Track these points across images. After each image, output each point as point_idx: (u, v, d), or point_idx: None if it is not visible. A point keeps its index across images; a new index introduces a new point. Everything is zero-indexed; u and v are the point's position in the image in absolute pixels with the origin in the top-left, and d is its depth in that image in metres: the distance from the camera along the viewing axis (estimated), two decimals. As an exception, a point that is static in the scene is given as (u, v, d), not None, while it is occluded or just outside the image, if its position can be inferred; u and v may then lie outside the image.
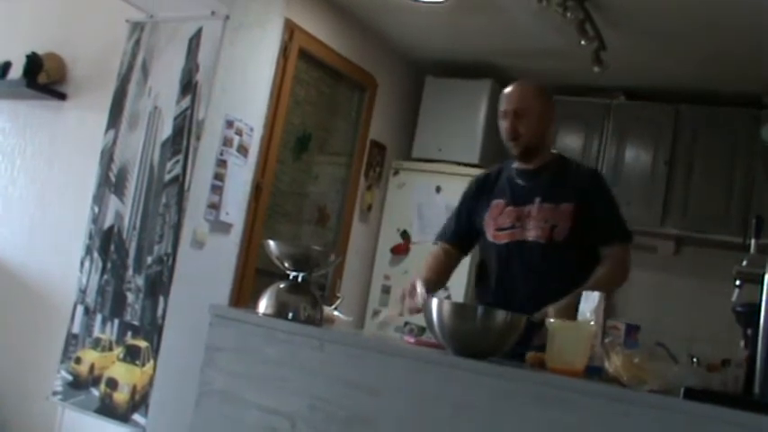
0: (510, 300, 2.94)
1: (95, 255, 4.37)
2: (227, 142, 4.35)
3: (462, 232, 3.32)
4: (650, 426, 1.93)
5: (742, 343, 2.30)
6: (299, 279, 2.73)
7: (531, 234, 3.01)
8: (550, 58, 5.36)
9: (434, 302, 2.31)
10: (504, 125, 3.13)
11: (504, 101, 3.14)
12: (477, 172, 5.36)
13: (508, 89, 3.19)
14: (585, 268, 3.04)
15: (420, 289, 2.93)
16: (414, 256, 5.62)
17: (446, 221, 3.44)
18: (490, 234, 3.12)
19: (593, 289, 2.52)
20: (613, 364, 2.12)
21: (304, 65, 5.06)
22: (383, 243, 5.79)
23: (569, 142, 5.74)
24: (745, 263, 2.30)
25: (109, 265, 4.31)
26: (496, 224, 3.10)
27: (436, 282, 3.16)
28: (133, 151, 4.37)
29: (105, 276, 4.31)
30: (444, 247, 3.34)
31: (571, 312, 2.56)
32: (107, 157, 4.47)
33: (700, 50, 4.87)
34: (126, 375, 4.08)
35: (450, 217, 3.43)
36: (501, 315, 2.28)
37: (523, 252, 3.02)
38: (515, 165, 3.18)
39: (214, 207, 4.31)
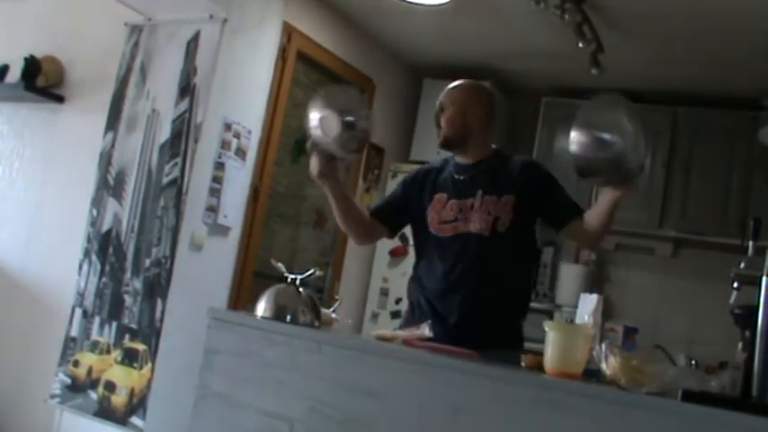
0: (457, 290, 3.01)
1: (93, 258, 4.37)
2: (225, 145, 4.35)
3: (391, 209, 3.34)
4: (648, 428, 1.93)
5: (740, 345, 2.30)
6: (298, 281, 2.73)
7: (475, 226, 3.02)
8: (548, 60, 5.36)
9: None
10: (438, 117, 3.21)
11: (442, 94, 3.22)
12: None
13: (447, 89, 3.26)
14: (526, 257, 3.16)
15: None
16: (412, 259, 5.59)
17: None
18: (433, 227, 3.13)
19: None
20: (611, 366, 2.12)
21: (302, 67, 5.06)
22: (381, 246, 5.79)
23: (567, 145, 5.71)
24: (742, 265, 2.30)
25: (107, 268, 4.31)
26: (440, 217, 3.11)
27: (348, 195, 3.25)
28: (131, 154, 4.38)
29: (103, 279, 4.31)
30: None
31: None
32: (105, 159, 4.47)
33: (698, 53, 4.87)
34: (124, 378, 4.08)
35: (386, 195, 3.45)
36: None
37: (468, 244, 3.03)
38: (456, 159, 3.22)
39: (212, 210, 4.31)
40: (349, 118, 2.83)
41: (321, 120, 2.81)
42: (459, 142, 3.15)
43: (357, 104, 2.99)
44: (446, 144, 3.17)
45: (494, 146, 3.26)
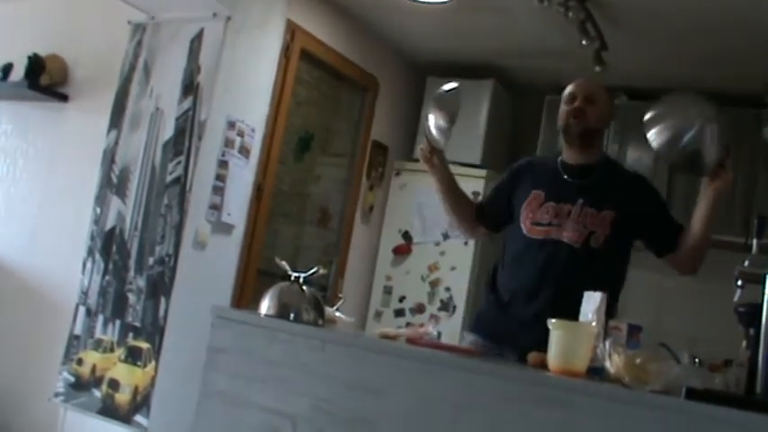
0: (535, 298, 2.95)
1: (97, 256, 4.37)
2: (228, 143, 4.35)
3: (492, 205, 3.29)
4: (652, 426, 1.93)
5: (744, 343, 2.30)
6: (301, 280, 2.74)
7: (568, 236, 2.95)
8: (552, 57, 5.35)
9: None
10: (567, 108, 3.09)
11: (575, 86, 3.11)
12: (480, 173, 5.43)
13: (579, 80, 3.18)
14: (615, 277, 3.03)
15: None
16: (415, 257, 5.63)
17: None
18: (525, 226, 3.04)
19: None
20: (615, 364, 2.12)
21: (306, 66, 5.06)
22: (385, 244, 5.79)
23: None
24: (747, 263, 2.30)
25: (110, 266, 4.31)
26: (534, 217, 3.02)
27: (456, 186, 3.26)
28: (135, 152, 4.38)
29: (107, 277, 4.31)
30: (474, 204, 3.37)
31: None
32: (109, 158, 4.47)
33: (701, 50, 4.86)
34: (128, 376, 4.09)
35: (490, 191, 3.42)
36: None
37: (556, 252, 2.96)
38: (563, 158, 3.12)
39: (216, 208, 4.31)
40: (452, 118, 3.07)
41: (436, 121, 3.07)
42: (594, 142, 3.09)
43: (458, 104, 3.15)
44: (584, 137, 3.05)
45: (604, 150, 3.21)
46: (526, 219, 3.05)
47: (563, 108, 3.11)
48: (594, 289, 2.79)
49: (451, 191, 3.24)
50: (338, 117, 5.55)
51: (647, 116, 2.64)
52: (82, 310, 4.36)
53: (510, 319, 3.00)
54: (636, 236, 3.04)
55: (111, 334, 4.22)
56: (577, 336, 2.28)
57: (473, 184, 5.17)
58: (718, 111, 2.61)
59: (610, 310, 2.98)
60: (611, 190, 3.00)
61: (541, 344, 2.31)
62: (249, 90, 4.52)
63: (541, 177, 3.11)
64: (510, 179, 3.25)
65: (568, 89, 3.13)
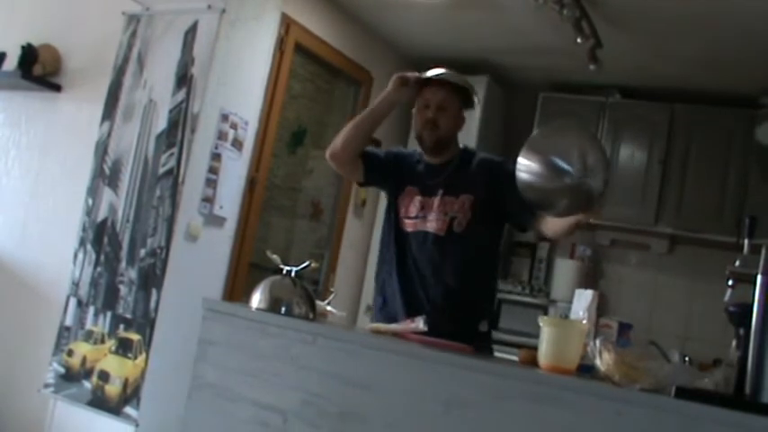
0: (413, 288, 3.04)
1: (89, 247, 4.36)
2: (221, 136, 4.34)
3: (375, 162, 3.26)
4: (641, 424, 1.93)
5: (734, 343, 2.30)
6: (293, 273, 2.74)
7: (432, 226, 3.04)
8: (546, 55, 5.36)
9: None
10: (420, 117, 3.14)
11: (428, 93, 3.13)
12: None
13: (440, 73, 3.16)
14: (484, 260, 3.13)
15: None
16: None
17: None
18: (399, 219, 3.15)
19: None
20: (605, 362, 2.12)
21: (300, 59, 5.05)
22: (377, 238, 5.71)
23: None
24: (738, 263, 2.30)
25: (102, 258, 4.30)
26: (406, 211, 3.12)
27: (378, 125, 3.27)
28: (128, 144, 4.37)
29: (98, 269, 4.30)
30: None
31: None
32: (102, 149, 4.46)
33: (696, 50, 4.87)
34: (118, 368, 4.08)
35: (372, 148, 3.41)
36: None
37: (425, 242, 3.05)
38: (425, 158, 3.19)
39: (208, 201, 4.30)
40: None
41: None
42: (445, 146, 3.14)
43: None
44: (438, 146, 3.12)
45: (462, 145, 3.23)
46: (400, 212, 3.15)
47: (417, 116, 3.17)
48: (468, 272, 3.01)
49: (375, 125, 3.26)
50: (332, 111, 5.55)
51: (528, 142, 2.60)
52: (73, 301, 4.35)
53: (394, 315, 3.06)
54: (500, 215, 3.11)
55: (101, 325, 4.21)
56: (568, 333, 2.28)
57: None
58: (598, 146, 2.59)
59: (492, 284, 3.21)
60: (466, 176, 3.09)
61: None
62: (243, 83, 4.51)
63: (415, 173, 3.19)
64: (392, 160, 3.28)
65: (423, 94, 3.15)
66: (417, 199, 3.11)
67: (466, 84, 3.17)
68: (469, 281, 3.04)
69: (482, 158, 3.18)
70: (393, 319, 2.95)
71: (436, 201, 3.06)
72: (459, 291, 3.01)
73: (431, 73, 3.13)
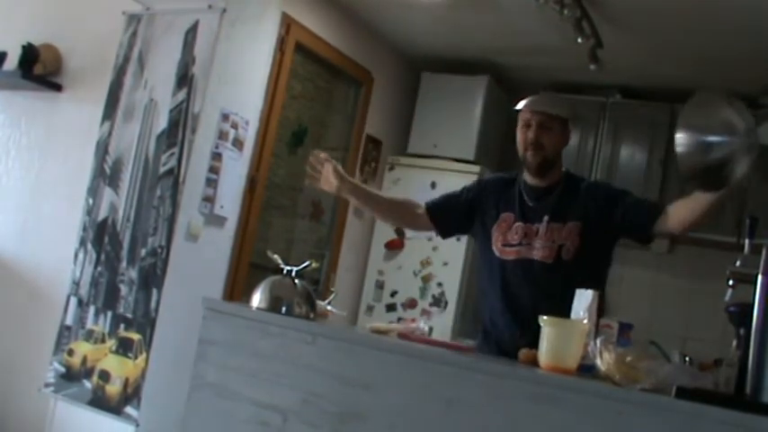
0: (516, 314, 2.98)
1: (89, 247, 4.36)
2: (222, 135, 4.34)
3: (447, 211, 3.27)
4: (642, 424, 1.93)
5: (734, 343, 2.30)
6: (293, 273, 2.74)
7: (538, 254, 2.98)
8: (546, 55, 5.36)
9: None
10: (523, 137, 3.09)
11: (529, 113, 3.09)
12: (473, 168, 5.43)
13: (533, 98, 3.14)
14: (593, 287, 3.04)
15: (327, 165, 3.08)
16: (407, 252, 5.63)
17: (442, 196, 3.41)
18: (497, 248, 3.08)
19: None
20: (606, 362, 2.12)
21: (300, 59, 5.05)
22: (377, 238, 5.79)
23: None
24: (738, 263, 2.30)
25: (102, 257, 4.30)
26: (504, 239, 3.06)
27: (366, 191, 3.25)
28: (128, 143, 4.37)
29: (99, 268, 4.30)
30: (421, 207, 3.31)
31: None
32: (102, 148, 4.46)
33: (697, 50, 4.87)
34: (118, 368, 4.08)
35: (447, 194, 3.39)
36: None
37: (530, 271, 2.99)
38: (526, 179, 3.14)
39: (209, 200, 4.30)
40: None
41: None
42: (550, 166, 3.08)
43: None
44: (543, 166, 3.06)
45: (563, 168, 3.19)
46: (497, 240, 3.09)
47: (519, 136, 3.12)
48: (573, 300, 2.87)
49: (371, 198, 3.26)
50: (332, 111, 5.55)
51: (685, 114, 2.46)
52: (73, 300, 4.35)
53: (497, 337, 3.02)
54: (612, 238, 3.06)
55: (102, 325, 4.21)
56: (569, 333, 2.28)
57: (466, 180, 5.14)
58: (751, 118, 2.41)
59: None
60: (572, 202, 3.03)
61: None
62: (244, 82, 4.51)
63: (510, 199, 3.13)
64: (477, 193, 3.25)
65: (523, 115, 3.12)
66: (518, 226, 3.05)
67: (548, 109, 3.09)
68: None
69: (589, 184, 3.15)
70: (503, 350, 2.90)
71: (542, 228, 3.01)
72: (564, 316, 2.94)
73: (522, 104, 3.10)
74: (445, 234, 3.37)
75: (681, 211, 2.82)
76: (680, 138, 2.39)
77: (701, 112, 2.45)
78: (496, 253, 3.08)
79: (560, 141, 3.10)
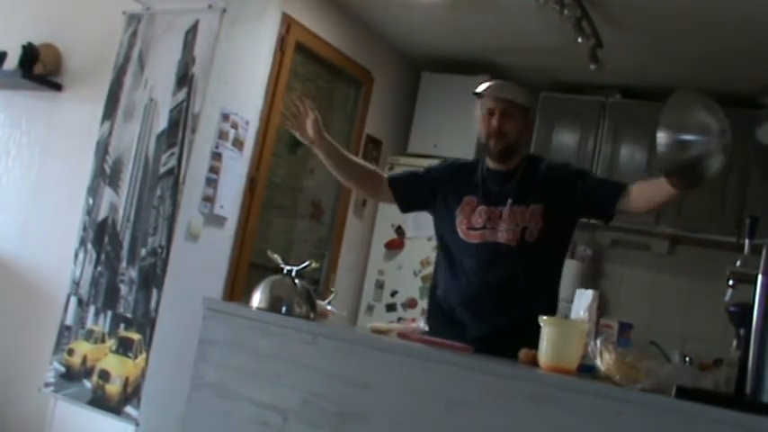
0: (483, 298, 2.98)
1: (89, 246, 4.36)
2: (222, 135, 4.34)
3: (410, 187, 3.29)
4: (642, 424, 1.93)
5: (734, 343, 2.31)
6: (293, 273, 2.74)
7: (503, 236, 2.99)
8: (547, 55, 5.36)
9: None
10: (485, 125, 3.10)
11: (492, 100, 3.09)
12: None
13: (494, 84, 3.15)
14: (557, 268, 3.10)
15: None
16: (408, 252, 5.63)
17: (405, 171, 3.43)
18: (462, 231, 3.08)
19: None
20: (606, 362, 2.12)
21: (300, 59, 5.05)
22: (377, 238, 5.79)
23: (564, 140, 5.75)
24: (738, 263, 2.31)
25: (103, 257, 4.30)
26: (469, 222, 3.06)
27: (339, 152, 3.25)
28: (128, 143, 4.37)
29: (99, 268, 4.30)
30: (384, 178, 3.33)
31: None
32: (102, 148, 4.46)
33: (696, 50, 4.87)
34: (118, 367, 4.08)
35: (411, 170, 3.42)
36: None
37: (496, 253, 3.00)
38: (489, 165, 3.15)
39: (209, 200, 4.30)
40: None
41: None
42: (513, 151, 3.09)
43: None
44: (506, 153, 3.07)
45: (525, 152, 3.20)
46: (461, 224, 3.09)
47: (481, 123, 3.12)
48: (540, 282, 2.97)
49: (342, 160, 3.25)
50: (332, 111, 5.54)
51: (664, 115, 2.55)
52: (73, 300, 4.35)
53: (460, 333, 2.99)
54: (575, 219, 3.09)
55: (102, 325, 4.21)
56: (569, 333, 2.28)
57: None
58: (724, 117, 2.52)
59: (551, 300, 3.07)
60: (534, 185, 3.04)
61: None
62: (244, 82, 4.51)
63: (472, 183, 3.13)
64: (440, 173, 3.26)
65: (486, 102, 3.12)
66: (481, 209, 3.05)
67: (512, 97, 3.10)
68: (540, 288, 3.01)
69: (549, 164, 3.15)
70: (466, 335, 2.90)
71: (505, 211, 3.01)
72: (528, 297, 2.94)
73: (482, 87, 3.10)
74: (405, 209, 3.38)
75: (645, 194, 2.84)
76: (660, 137, 2.45)
77: (678, 114, 2.58)
78: (461, 236, 3.08)
79: (522, 129, 3.11)
